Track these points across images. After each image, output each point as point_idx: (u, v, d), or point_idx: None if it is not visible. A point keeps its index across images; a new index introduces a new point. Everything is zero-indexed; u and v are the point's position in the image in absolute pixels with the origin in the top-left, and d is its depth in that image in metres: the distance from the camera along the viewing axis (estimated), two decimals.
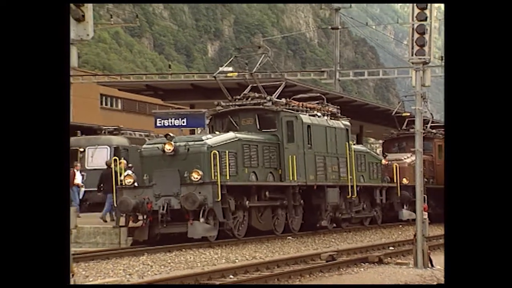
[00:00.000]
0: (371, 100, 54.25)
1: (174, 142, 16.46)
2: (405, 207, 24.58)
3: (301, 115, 19.25)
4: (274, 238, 18.32)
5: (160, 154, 16.49)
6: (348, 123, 21.52)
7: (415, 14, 13.36)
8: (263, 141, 18.28)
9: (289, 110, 19.14)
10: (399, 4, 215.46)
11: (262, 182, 17.86)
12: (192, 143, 16.61)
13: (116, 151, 24.63)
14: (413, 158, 20.02)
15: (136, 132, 27.67)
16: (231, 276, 12.16)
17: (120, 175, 17.64)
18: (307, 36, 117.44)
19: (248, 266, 13.11)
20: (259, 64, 20.28)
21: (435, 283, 11.91)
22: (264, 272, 12.67)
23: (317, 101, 21.21)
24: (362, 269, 13.45)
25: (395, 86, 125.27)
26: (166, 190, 16.23)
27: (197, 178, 16.10)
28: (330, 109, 21.17)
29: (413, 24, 13.37)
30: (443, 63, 34.33)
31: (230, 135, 17.54)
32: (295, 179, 18.51)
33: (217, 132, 18.30)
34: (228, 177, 16.54)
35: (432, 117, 29.46)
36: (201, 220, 15.97)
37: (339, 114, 21.51)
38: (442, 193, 26.01)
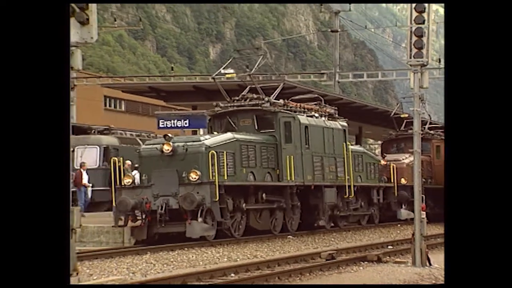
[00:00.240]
0: (370, 102, 54.26)
1: (173, 143, 16.43)
2: (403, 206, 24.58)
3: (298, 116, 19.22)
4: (274, 237, 18.31)
5: (158, 154, 16.45)
6: (345, 124, 21.48)
7: (413, 17, 13.37)
8: (261, 142, 18.25)
9: (287, 111, 19.11)
10: (398, 8, 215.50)
11: (260, 182, 17.82)
12: (190, 143, 16.57)
13: (106, 151, 24.32)
14: (412, 158, 20.01)
15: (127, 132, 27.25)
16: (233, 275, 12.15)
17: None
18: (307, 38, 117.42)
19: (249, 264, 13.11)
20: (257, 66, 20.28)
21: (433, 281, 11.90)
22: (265, 271, 12.67)
23: (315, 102, 21.18)
24: (361, 268, 13.45)
25: (394, 88, 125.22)
26: (164, 190, 16.20)
27: (195, 178, 16.06)
28: (327, 110, 21.13)
29: (411, 27, 13.38)
30: (440, 65, 34.37)
31: (228, 135, 17.51)
32: (293, 179, 18.48)
33: (215, 133, 18.27)
34: (226, 177, 16.50)
35: (430, 118, 29.46)
36: (199, 219, 15.93)
37: (337, 115, 21.46)
38: (440, 193, 26.04)
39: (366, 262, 14.05)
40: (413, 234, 13.75)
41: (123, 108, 49.02)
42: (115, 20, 47.94)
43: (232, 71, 21.69)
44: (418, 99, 13.98)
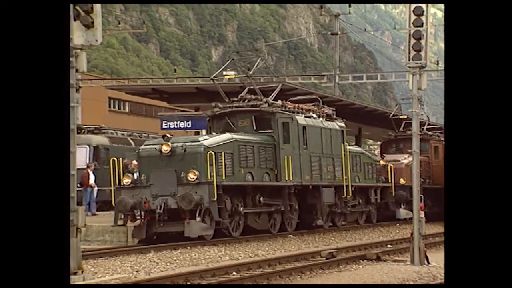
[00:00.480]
0: (369, 103, 54.21)
1: (171, 143, 16.37)
2: (402, 206, 24.57)
3: (296, 117, 19.15)
4: (275, 236, 18.29)
5: (157, 154, 16.39)
6: (343, 125, 21.41)
7: (411, 21, 13.37)
8: (259, 142, 18.17)
9: (285, 112, 19.04)
10: (397, 11, 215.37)
11: (258, 182, 17.75)
12: (189, 143, 16.50)
13: (96, 150, 24.06)
14: (410, 159, 20.01)
15: (118, 132, 26.80)
16: (234, 273, 12.15)
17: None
18: (308, 41, 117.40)
19: (251, 263, 13.11)
20: (256, 67, 20.25)
21: (431, 279, 11.89)
22: (266, 269, 12.66)
23: (313, 103, 21.13)
24: (360, 266, 13.45)
25: (393, 90, 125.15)
26: (163, 190, 16.13)
27: (193, 178, 15.99)
28: (325, 111, 21.06)
29: (410, 30, 13.38)
30: (439, 67, 34.35)
31: (227, 136, 17.45)
32: (291, 179, 18.41)
33: (214, 133, 18.21)
34: (224, 177, 16.43)
35: (428, 120, 29.45)
36: (198, 219, 15.87)
37: (335, 116, 21.40)
38: (438, 192, 25.95)
39: (365, 261, 14.05)
40: (411, 233, 13.75)
41: (127, 109, 49.04)
42: (119, 23, 47.99)
43: (234, 72, 21.68)
44: (417, 100, 13.97)
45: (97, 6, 11.02)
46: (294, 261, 13.76)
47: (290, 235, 18.70)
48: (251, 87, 19.85)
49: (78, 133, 25.22)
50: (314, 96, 21.94)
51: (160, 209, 15.98)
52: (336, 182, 20.54)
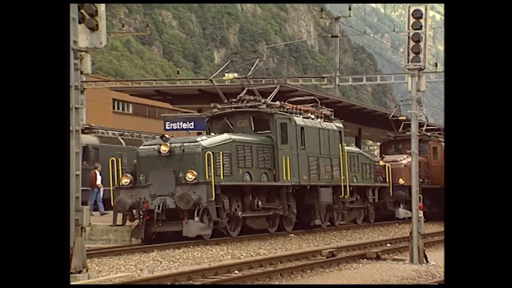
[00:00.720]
0: (369, 105, 54.23)
1: (170, 144, 16.33)
2: (401, 206, 24.56)
3: (294, 117, 19.09)
4: (276, 236, 18.28)
5: (156, 155, 16.34)
6: (341, 125, 21.33)
7: (410, 23, 13.37)
8: (258, 142, 18.12)
9: (283, 113, 18.98)
10: (396, 14, 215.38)
11: (256, 182, 17.68)
12: (187, 144, 16.45)
13: (85, 150, 23.85)
14: (409, 159, 20.01)
15: (109, 131, 26.39)
16: (236, 272, 12.15)
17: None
18: (309, 43, 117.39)
19: (253, 262, 13.11)
20: (254, 68, 20.25)
21: (430, 278, 11.88)
22: (268, 268, 12.66)
23: (311, 104, 21.06)
24: (360, 265, 13.44)
25: (392, 91, 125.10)
26: (161, 190, 16.08)
27: (191, 178, 15.94)
28: (323, 112, 21.00)
29: (409, 33, 13.38)
30: (437, 69, 34.34)
31: (225, 136, 17.39)
32: (289, 179, 18.34)
33: (212, 134, 18.16)
34: (222, 177, 16.37)
35: (427, 121, 29.46)
36: (196, 219, 15.82)
37: (333, 117, 21.32)
38: (437, 192, 25.95)
39: (365, 260, 14.04)
40: (411, 233, 13.75)
41: (130, 111, 49.07)
42: (123, 26, 48.03)
43: (236, 74, 21.68)
44: (416, 102, 13.97)
45: (102, 9, 11.03)
46: (295, 260, 13.75)
47: (291, 234, 18.69)
48: (250, 88, 19.82)
49: None
50: (312, 97, 21.91)
51: (158, 209, 15.92)
52: (334, 182, 20.48)
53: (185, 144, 16.44)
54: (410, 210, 14.62)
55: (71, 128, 11.20)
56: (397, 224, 23.65)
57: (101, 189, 21.76)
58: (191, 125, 20.47)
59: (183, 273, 11.50)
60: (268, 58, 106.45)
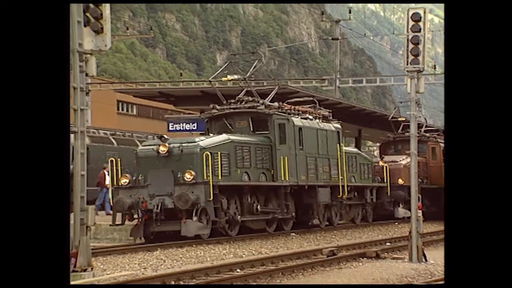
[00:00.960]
0: (369, 106, 54.16)
1: (168, 144, 16.28)
2: (400, 205, 24.55)
3: (292, 118, 19.02)
4: (278, 235, 18.26)
5: (155, 155, 16.29)
6: (339, 126, 21.24)
7: (409, 26, 13.37)
8: (256, 143, 18.03)
9: (281, 113, 18.91)
10: (395, 17, 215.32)
11: (254, 182, 17.59)
12: (186, 144, 16.38)
13: (74, 150, 23.51)
14: (408, 160, 19.98)
15: (100, 131, 25.96)
16: (238, 270, 12.15)
17: None
18: (309, 46, 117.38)
19: (254, 260, 13.10)
20: (252, 70, 20.22)
21: (429, 276, 11.87)
22: (269, 266, 12.66)
23: (310, 105, 20.99)
24: (360, 264, 13.43)
25: (391, 93, 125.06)
26: (160, 190, 16.02)
27: (190, 178, 15.87)
28: (321, 113, 20.92)
29: (408, 35, 13.38)
30: (436, 71, 34.29)
31: (223, 137, 17.32)
32: (287, 179, 18.27)
33: (211, 134, 18.08)
34: (220, 177, 16.29)
35: (426, 122, 29.47)
36: (194, 218, 15.75)
37: (331, 117, 21.24)
38: (436, 192, 25.88)
39: (365, 258, 14.03)
40: (410, 232, 13.74)
41: (134, 112, 49.10)
42: (128, 29, 48.01)
43: (236, 76, 21.66)
44: (415, 103, 13.97)
45: (107, 13, 11.05)
46: (296, 259, 13.74)
47: (292, 234, 18.67)
48: (249, 89, 19.80)
49: None
50: (310, 98, 21.85)
51: (157, 208, 15.85)
52: (332, 182, 20.39)
53: (183, 145, 16.38)
54: (409, 209, 14.60)
55: (76, 129, 11.22)
56: (396, 223, 23.63)
57: (110, 189, 21.74)
58: (194, 126, 20.48)
59: (186, 272, 11.50)
60: (270, 60, 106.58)
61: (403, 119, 27.21)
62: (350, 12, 36.86)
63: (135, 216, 16.31)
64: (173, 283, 10.85)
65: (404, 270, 12.46)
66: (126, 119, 46.03)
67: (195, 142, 16.54)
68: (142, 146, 17.29)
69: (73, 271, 10.96)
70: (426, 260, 13.56)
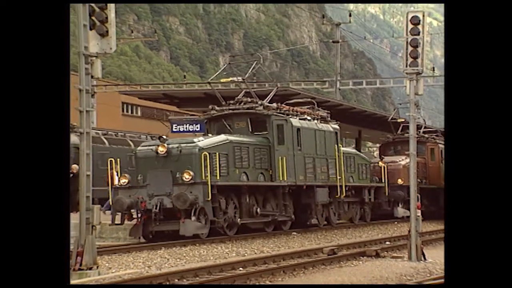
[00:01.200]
0: (368, 107, 54.13)
1: (167, 144, 16.24)
2: (400, 205, 24.53)
3: (291, 119, 18.94)
4: (280, 234, 18.25)
5: (153, 155, 16.22)
6: (337, 127, 21.14)
7: (409, 29, 13.37)
8: (254, 143, 17.95)
9: (279, 114, 18.84)
10: (394, 20, 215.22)
11: (252, 182, 17.51)
12: (184, 145, 16.31)
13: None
14: (408, 160, 19.96)
15: (91, 130, 26.07)
16: (241, 269, 12.15)
17: None
18: (310, 49, 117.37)
19: (256, 259, 13.10)
20: (251, 71, 20.18)
21: (428, 275, 11.86)
22: (271, 265, 12.65)
23: (308, 106, 20.90)
24: (360, 262, 13.42)
25: (391, 95, 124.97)
26: (159, 190, 15.95)
27: (188, 178, 15.81)
28: (320, 113, 20.83)
29: (407, 38, 13.38)
30: (434, 74, 34.29)
31: (222, 137, 17.26)
32: (285, 179, 18.19)
33: (210, 135, 18.01)
34: (218, 177, 16.22)
35: (425, 123, 29.42)
36: (193, 218, 15.67)
37: (329, 118, 21.15)
38: (434, 192, 25.85)
39: (365, 257, 14.03)
40: (409, 231, 13.73)
41: (139, 114, 49.14)
42: (132, 32, 48.03)
43: (236, 78, 21.63)
44: (414, 105, 13.96)
45: (112, 16, 11.06)
46: (297, 258, 13.74)
47: (293, 233, 18.66)
48: (248, 90, 19.76)
49: None
50: (309, 99, 21.78)
51: (156, 208, 15.78)
52: (330, 182, 20.30)
53: (182, 145, 16.30)
54: (409, 209, 14.59)
55: (81, 130, 11.24)
56: (395, 222, 23.61)
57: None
58: (197, 127, 20.42)
59: (189, 270, 11.50)
60: (272, 63, 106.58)
61: (403, 120, 27.18)
62: (350, 16, 36.86)
63: (134, 216, 16.27)
64: (176, 281, 10.86)
65: (404, 269, 12.45)
66: (131, 120, 46.08)
67: (193, 142, 16.47)
68: (141, 146, 17.23)
69: (79, 269, 10.97)
70: (425, 258, 13.55)
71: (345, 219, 22.42)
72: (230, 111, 18.78)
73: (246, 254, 14.38)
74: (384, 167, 23.76)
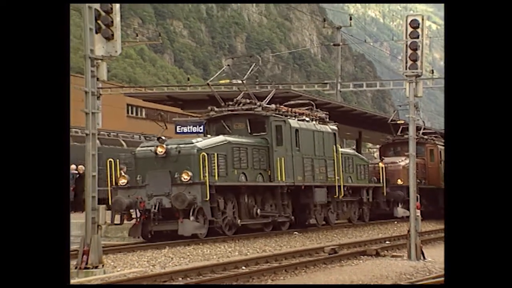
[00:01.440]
0: (369, 109, 54.09)
1: (166, 145, 16.20)
2: (399, 205, 24.51)
3: (289, 120, 18.87)
4: (282, 234, 18.23)
5: (153, 156, 16.16)
6: (335, 128, 21.07)
7: (408, 32, 13.37)
8: (253, 144, 17.89)
9: (278, 115, 18.78)
10: (394, 23, 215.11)
11: (251, 182, 17.45)
12: (183, 145, 16.25)
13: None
14: (407, 161, 19.95)
15: (81, 130, 25.96)
16: (243, 267, 12.15)
17: None
18: (312, 51, 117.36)
19: (259, 258, 13.11)
20: (250, 72, 20.16)
21: (427, 273, 11.85)
22: (273, 264, 12.65)
23: (306, 107, 20.84)
24: (361, 261, 13.42)
25: (391, 97, 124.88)
26: (158, 190, 15.89)
27: (187, 178, 15.75)
28: (318, 115, 20.75)
29: (406, 41, 13.38)
30: (433, 76, 34.26)
31: (220, 138, 17.20)
32: (284, 179, 18.13)
33: (208, 136, 17.96)
34: (217, 178, 16.18)
35: (424, 124, 29.40)
36: (191, 218, 15.62)
37: (327, 119, 21.08)
38: (433, 192, 25.85)
39: (365, 256, 14.02)
40: (408, 231, 13.73)
41: (143, 115, 49.18)
42: (137, 36, 48.15)
43: (235, 80, 21.62)
44: (413, 107, 13.97)
45: (117, 20, 11.08)
46: (299, 257, 13.74)
47: (295, 233, 18.65)
48: (247, 91, 19.74)
49: None
50: (307, 101, 21.72)
51: (155, 208, 15.73)
52: (328, 183, 20.23)
53: (181, 146, 16.24)
54: (408, 209, 14.58)
55: (87, 132, 11.26)
56: (395, 222, 23.60)
57: None
58: (200, 129, 20.42)
59: (193, 269, 11.51)
60: (274, 66, 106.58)
61: (402, 122, 27.16)
62: (351, 19, 36.84)
63: (134, 216, 16.22)
64: (180, 279, 10.86)
65: (403, 268, 12.45)
66: (136, 122, 46.13)
67: (192, 143, 16.39)
68: (141, 147, 17.16)
69: (85, 267, 10.99)
70: (424, 257, 13.54)
71: (344, 219, 22.38)
72: (229, 112, 18.72)
73: (248, 253, 14.38)
74: (382, 167, 23.72)
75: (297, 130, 19.11)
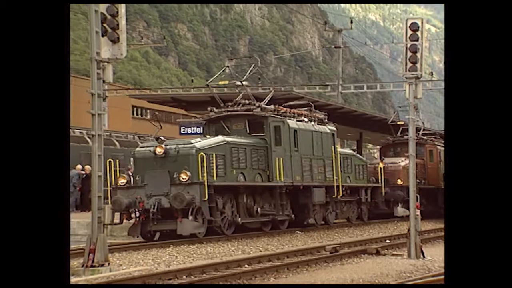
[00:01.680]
0: (369, 111, 54.08)
1: (165, 145, 16.16)
2: (399, 205, 24.49)
3: (288, 121, 18.81)
4: (284, 233, 18.23)
5: (152, 156, 16.12)
6: (334, 128, 21.00)
7: (408, 35, 13.37)
8: (252, 144, 17.83)
9: (277, 116, 18.73)
10: (394, 26, 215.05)
11: (249, 182, 17.40)
12: (182, 146, 16.20)
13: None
14: (407, 161, 19.94)
15: (75, 130, 24.76)
16: (246, 266, 12.16)
17: None
18: (313, 54, 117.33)
19: (261, 257, 13.11)
20: (249, 74, 20.13)
21: (426, 272, 11.84)
22: (275, 262, 12.65)
23: (305, 108, 20.78)
24: (361, 260, 13.41)
25: (391, 98, 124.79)
26: (157, 190, 15.84)
27: (185, 178, 15.70)
28: (317, 115, 20.69)
29: (406, 44, 13.38)
30: (432, 78, 34.23)
31: (219, 138, 17.15)
32: (282, 179, 18.09)
33: (208, 136, 17.91)
34: (215, 178, 16.13)
35: (424, 125, 29.38)
36: (190, 218, 15.58)
37: (326, 120, 21.01)
38: (433, 192, 25.80)
39: (366, 255, 14.02)
40: (408, 230, 13.72)
41: (148, 117, 49.20)
42: (142, 38, 48.19)
43: (235, 81, 21.59)
44: (413, 108, 13.97)
45: (123, 23, 11.10)
46: (300, 255, 13.74)
47: (297, 232, 18.64)
48: (246, 92, 19.72)
49: None
50: (306, 102, 21.69)
51: (154, 208, 15.68)
52: (327, 183, 20.17)
53: (179, 146, 16.20)
54: (408, 208, 14.57)
55: (93, 133, 11.28)
56: (395, 222, 23.58)
57: None
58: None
59: (197, 267, 11.51)
60: (276, 68, 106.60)
61: (402, 123, 27.13)
62: (351, 22, 36.84)
63: (133, 215, 16.19)
64: (184, 277, 10.87)
65: (403, 266, 12.44)
66: (140, 123, 46.16)
67: (190, 143, 16.34)
68: (140, 147, 17.10)
69: (92, 266, 11.01)
70: (423, 256, 13.53)
71: (343, 218, 22.35)
72: (228, 112, 18.69)
73: (251, 252, 14.39)
74: (380, 168, 23.69)
75: (295, 130, 19.07)
